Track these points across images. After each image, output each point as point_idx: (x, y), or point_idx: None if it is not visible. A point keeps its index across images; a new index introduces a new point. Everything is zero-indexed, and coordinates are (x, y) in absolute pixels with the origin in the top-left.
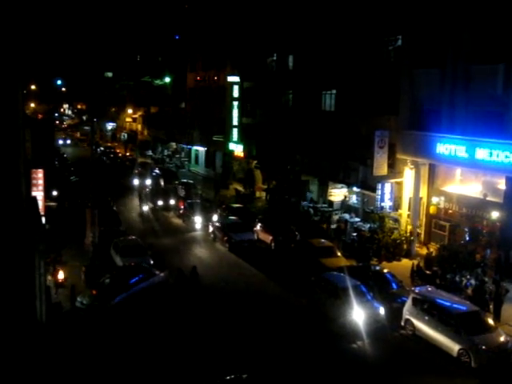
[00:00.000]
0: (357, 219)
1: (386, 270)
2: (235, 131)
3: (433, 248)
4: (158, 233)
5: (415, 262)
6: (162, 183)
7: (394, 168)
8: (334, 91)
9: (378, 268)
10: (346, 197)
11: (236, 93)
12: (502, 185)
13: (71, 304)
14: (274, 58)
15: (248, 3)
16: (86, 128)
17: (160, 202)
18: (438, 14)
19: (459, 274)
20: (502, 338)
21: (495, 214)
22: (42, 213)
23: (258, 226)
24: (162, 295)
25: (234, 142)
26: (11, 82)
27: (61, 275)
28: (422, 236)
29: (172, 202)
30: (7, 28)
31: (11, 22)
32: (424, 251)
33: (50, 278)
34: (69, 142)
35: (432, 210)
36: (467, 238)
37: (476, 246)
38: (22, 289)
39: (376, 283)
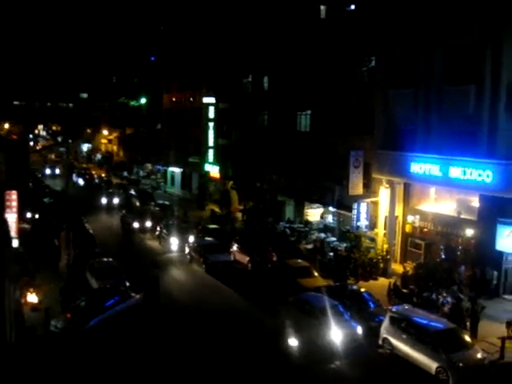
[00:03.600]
0: (333, 239)
1: (363, 290)
2: (211, 152)
3: (409, 266)
4: (134, 254)
5: (392, 280)
6: (138, 204)
7: (369, 187)
8: (309, 112)
9: (355, 287)
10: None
11: (212, 114)
12: (475, 202)
13: (45, 328)
14: (250, 79)
15: (223, 25)
16: (61, 149)
17: (136, 224)
18: (410, 35)
19: (436, 291)
20: (479, 355)
21: (469, 232)
22: (16, 235)
23: (235, 247)
24: (137, 318)
25: (210, 163)
26: None
27: (34, 299)
28: (398, 254)
29: (148, 223)
30: None
31: None
32: (400, 269)
33: (23, 301)
34: (58, 171)
35: (408, 228)
36: (443, 256)
37: (452, 263)
38: None
39: (353, 303)
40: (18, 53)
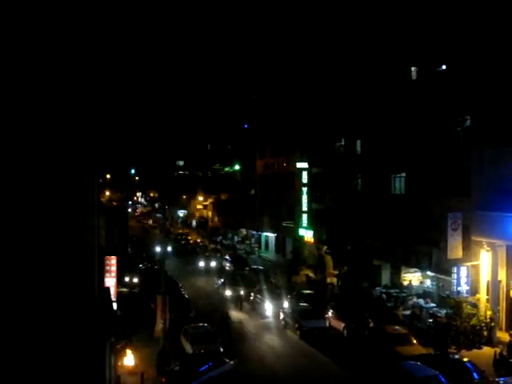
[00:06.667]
0: (432, 304)
1: (465, 359)
2: (305, 217)
3: None
4: (229, 319)
5: (498, 349)
6: (232, 269)
7: (469, 250)
8: (404, 174)
9: (457, 356)
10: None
11: (305, 178)
12: None
13: None
14: (342, 143)
15: (315, 90)
16: (158, 215)
17: (230, 289)
18: (505, 91)
19: None
20: None
21: None
22: (114, 299)
23: (330, 313)
24: None
25: (304, 228)
26: (88, 173)
27: (131, 362)
28: (503, 321)
29: (242, 288)
30: (86, 126)
31: (90, 120)
32: (506, 338)
33: (119, 364)
34: (169, 249)
35: None
36: None
37: None
38: (93, 382)
39: (455, 373)
40: (117, 124)
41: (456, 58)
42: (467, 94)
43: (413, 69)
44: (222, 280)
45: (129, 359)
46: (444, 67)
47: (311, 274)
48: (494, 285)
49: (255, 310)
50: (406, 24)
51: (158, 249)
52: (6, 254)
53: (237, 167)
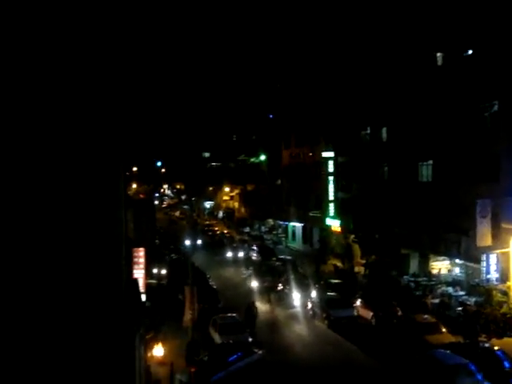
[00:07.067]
0: (461, 292)
1: (496, 347)
2: (331, 206)
3: None
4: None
5: None
6: (260, 260)
7: (498, 238)
8: (431, 161)
9: (487, 345)
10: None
11: (331, 168)
12: None
13: (170, 381)
14: (368, 131)
15: (339, 79)
16: (185, 207)
17: (258, 279)
18: None
19: None
20: None
21: None
22: (143, 290)
23: (358, 302)
24: (259, 374)
25: (331, 217)
26: (115, 167)
27: (160, 352)
28: None
29: (269, 278)
30: (111, 119)
31: (115, 113)
32: None
33: (149, 355)
34: (199, 242)
35: None
36: None
37: None
38: (123, 373)
39: (485, 362)
40: (142, 116)
41: (483, 43)
42: (495, 79)
43: (438, 54)
44: (250, 271)
45: (158, 350)
46: (470, 52)
47: (339, 264)
48: None
49: (283, 300)
50: (430, 9)
51: (185, 240)
52: (34, 247)
53: (262, 157)
